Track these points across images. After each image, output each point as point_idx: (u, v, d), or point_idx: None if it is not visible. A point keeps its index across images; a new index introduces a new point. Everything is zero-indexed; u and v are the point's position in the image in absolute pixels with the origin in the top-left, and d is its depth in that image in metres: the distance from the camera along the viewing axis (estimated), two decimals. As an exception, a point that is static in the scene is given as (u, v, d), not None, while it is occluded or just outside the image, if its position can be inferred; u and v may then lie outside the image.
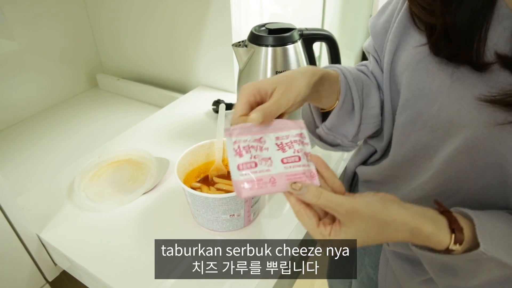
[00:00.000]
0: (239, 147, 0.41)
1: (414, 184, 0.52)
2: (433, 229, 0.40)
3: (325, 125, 0.56)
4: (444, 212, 0.42)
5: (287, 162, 0.41)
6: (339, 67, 0.57)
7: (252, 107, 0.43)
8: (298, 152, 0.42)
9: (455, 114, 0.43)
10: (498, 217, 0.42)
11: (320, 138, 0.58)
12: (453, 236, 0.40)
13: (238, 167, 0.40)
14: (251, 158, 0.40)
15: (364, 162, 0.64)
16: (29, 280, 0.64)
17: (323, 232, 0.39)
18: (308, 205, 0.40)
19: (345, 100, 0.53)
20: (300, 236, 0.60)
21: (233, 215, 0.59)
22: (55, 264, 0.68)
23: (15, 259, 0.61)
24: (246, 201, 0.58)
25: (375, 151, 0.60)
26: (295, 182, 0.39)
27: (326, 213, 0.41)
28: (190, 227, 0.63)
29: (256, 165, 0.40)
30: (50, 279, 0.68)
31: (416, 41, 0.47)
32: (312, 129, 0.59)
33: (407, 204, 0.41)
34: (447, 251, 0.41)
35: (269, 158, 0.41)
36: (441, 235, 0.40)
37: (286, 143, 0.42)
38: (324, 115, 0.57)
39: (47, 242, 0.62)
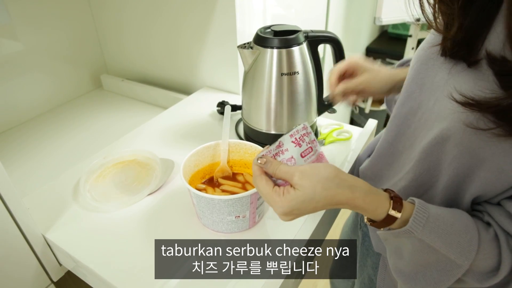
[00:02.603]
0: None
1: (400, 174, 0.54)
2: (371, 189, 0.45)
3: None
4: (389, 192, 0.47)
5: (305, 156, 0.49)
6: None
7: (342, 74, 0.66)
8: (309, 143, 0.49)
9: (442, 107, 0.45)
10: (452, 211, 0.45)
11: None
12: (391, 202, 0.45)
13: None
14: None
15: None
16: (34, 280, 0.65)
17: (277, 190, 0.45)
18: (267, 174, 0.48)
19: None
20: (306, 236, 0.60)
21: (239, 216, 0.59)
22: (60, 265, 0.68)
23: (21, 259, 0.61)
24: (252, 203, 0.58)
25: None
26: (261, 157, 0.47)
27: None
28: (195, 229, 0.63)
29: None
30: (55, 279, 0.68)
31: (432, 41, 0.50)
32: (390, 105, 0.70)
33: None
34: (387, 220, 0.45)
35: (292, 157, 0.48)
36: (380, 198, 0.45)
37: (299, 138, 0.49)
38: None
39: (53, 243, 0.63)
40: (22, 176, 0.85)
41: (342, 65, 0.66)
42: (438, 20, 0.46)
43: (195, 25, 1.02)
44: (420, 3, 0.47)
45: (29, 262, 0.63)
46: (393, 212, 0.44)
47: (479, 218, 0.46)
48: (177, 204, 0.68)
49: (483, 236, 0.43)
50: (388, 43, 2.33)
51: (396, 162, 0.56)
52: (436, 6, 0.45)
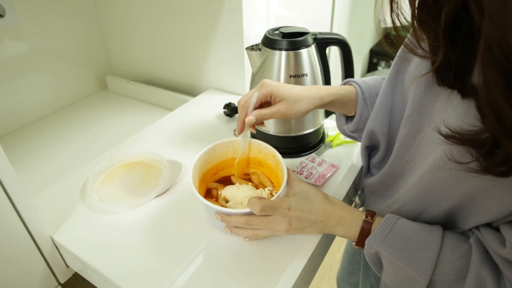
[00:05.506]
0: None
1: (395, 196, 0.54)
2: (347, 206, 0.55)
3: (348, 128, 0.67)
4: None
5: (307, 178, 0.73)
6: (358, 82, 0.63)
7: (261, 102, 0.59)
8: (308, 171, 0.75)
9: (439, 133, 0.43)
10: (421, 228, 0.47)
11: (346, 134, 0.70)
12: (365, 212, 0.53)
13: None
14: None
15: (370, 158, 0.67)
16: (42, 282, 0.64)
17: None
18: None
19: (362, 116, 0.63)
20: (315, 241, 0.60)
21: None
22: (67, 266, 0.68)
23: (29, 261, 0.61)
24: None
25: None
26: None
27: None
28: (203, 231, 0.63)
29: None
30: (62, 281, 0.68)
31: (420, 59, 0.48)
32: (340, 125, 0.70)
33: None
34: (364, 229, 0.51)
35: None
36: (355, 211, 0.54)
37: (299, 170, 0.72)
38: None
39: (60, 244, 0.62)
40: (28, 177, 0.85)
41: (258, 96, 0.59)
42: (422, 44, 0.44)
43: (201, 26, 1.02)
44: (394, 26, 0.45)
45: (37, 264, 0.63)
46: (368, 218, 0.52)
47: (466, 235, 0.47)
48: (185, 206, 0.68)
49: (446, 255, 0.44)
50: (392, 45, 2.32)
51: (395, 184, 0.55)
52: (417, 27, 0.42)
